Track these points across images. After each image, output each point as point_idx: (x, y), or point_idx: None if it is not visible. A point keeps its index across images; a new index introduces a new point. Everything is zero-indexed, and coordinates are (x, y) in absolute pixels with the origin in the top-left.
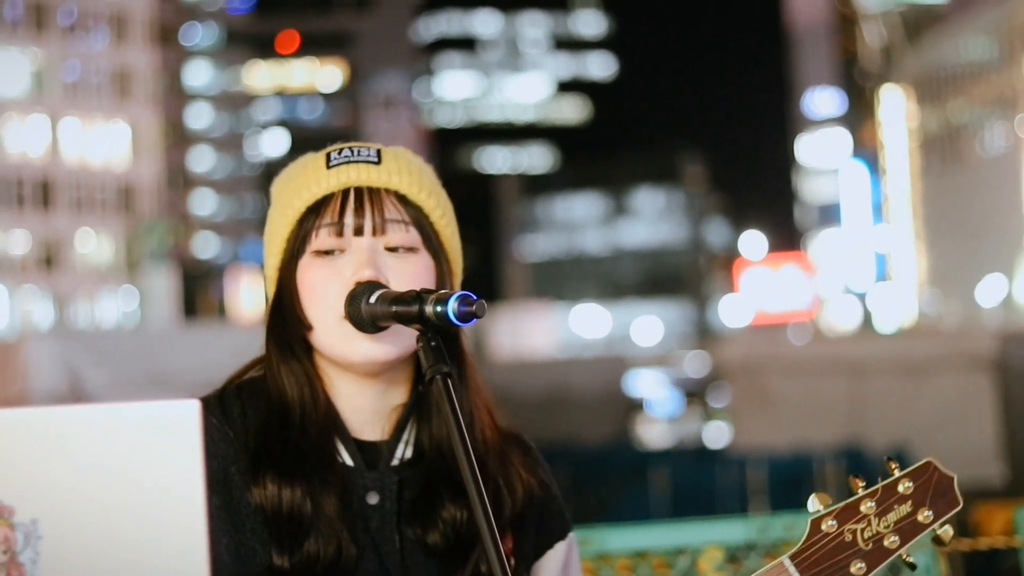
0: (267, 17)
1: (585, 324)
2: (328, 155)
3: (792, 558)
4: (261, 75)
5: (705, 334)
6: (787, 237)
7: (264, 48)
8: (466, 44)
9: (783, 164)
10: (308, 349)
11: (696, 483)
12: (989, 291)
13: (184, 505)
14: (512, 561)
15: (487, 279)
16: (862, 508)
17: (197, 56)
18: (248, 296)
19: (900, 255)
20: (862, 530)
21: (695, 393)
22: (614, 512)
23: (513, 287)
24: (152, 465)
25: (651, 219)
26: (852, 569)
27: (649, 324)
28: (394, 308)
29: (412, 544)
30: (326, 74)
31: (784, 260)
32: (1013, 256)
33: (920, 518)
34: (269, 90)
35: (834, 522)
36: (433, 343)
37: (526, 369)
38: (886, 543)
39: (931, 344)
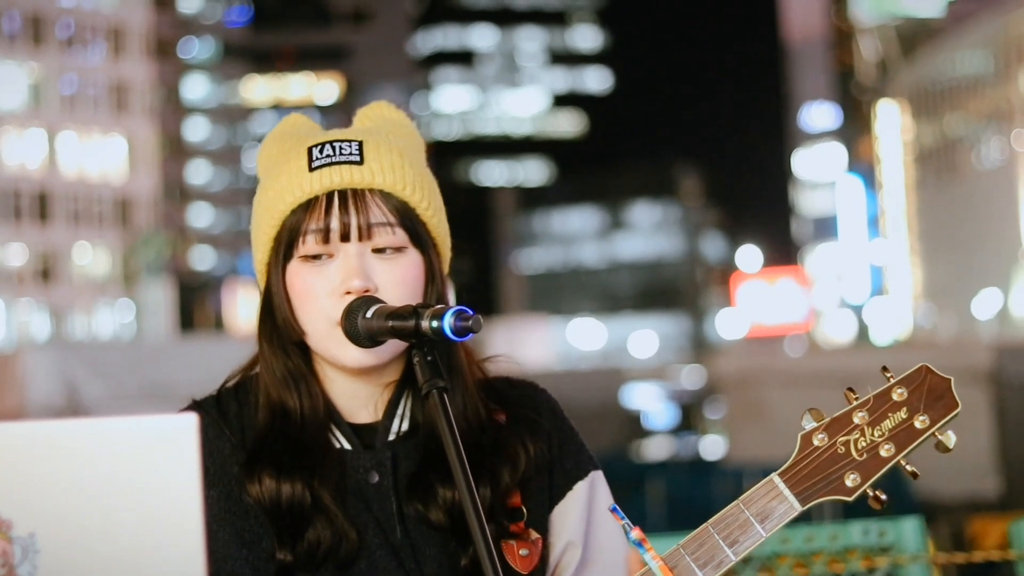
0: (264, 31)
1: (582, 337)
2: (310, 152)
3: (782, 475)
4: (258, 88)
5: (701, 347)
6: (783, 250)
7: (261, 62)
8: (463, 58)
9: (779, 178)
10: (300, 343)
11: (692, 495)
12: (984, 304)
13: (182, 518)
14: (524, 512)
15: (484, 292)
16: (854, 419)
17: (194, 69)
18: (245, 309)
19: (896, 268)
20: (855, 441)
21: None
22: None
23: (510, 300)
24: (150, 478)
25: (647, 232)
26: (847, 481)
27: (645, 337)
28: (391, 323)
29: (415, 520)
30: (323, 88)
31: (780, 273)
32: (1008, 269)
33: (916, 424)
34: (266, 103)
35: (824, 435)
36: (429, 357)
37: None
38: (881, 452)
39: (927, 357)
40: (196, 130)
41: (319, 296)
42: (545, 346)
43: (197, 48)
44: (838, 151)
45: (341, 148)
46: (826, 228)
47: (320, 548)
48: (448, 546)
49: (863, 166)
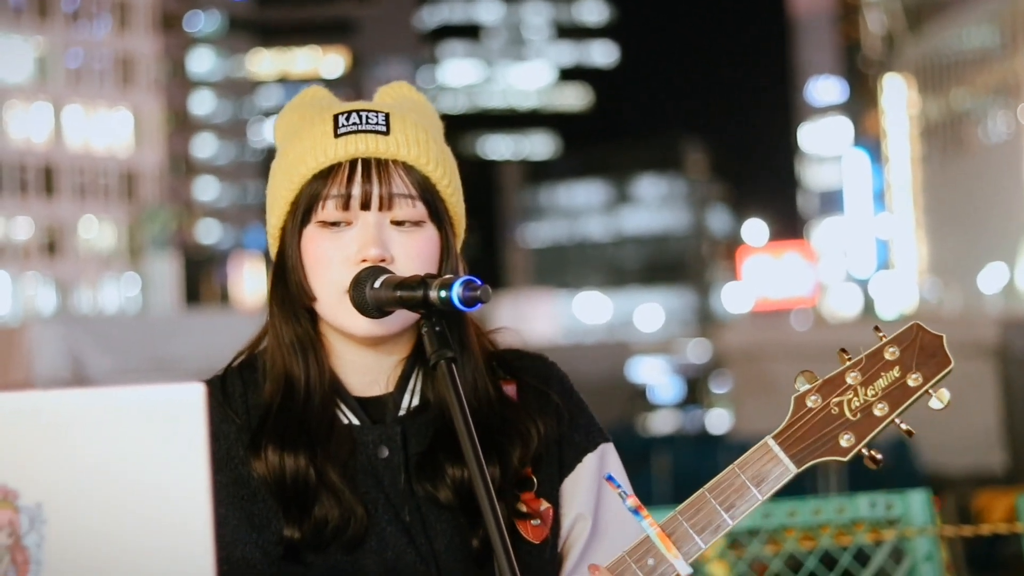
0: (270, 4)
1: (587, 311)
2: (336, 119)
3: (776, 437)
4: (264, 62)
5: (707, 321)
6: (789, 224)
7: (267, 35)
8: (469, 31)
9: (785, 152)
10: (310, 311)
11: (698, 469)
12: (990, 278)
13: (188, 488)
14: (534, 481)
15: (490, 266)
16: (847, 379)
17: (200, 43)
18: (251, 282)
19: (902, 242)
20: (848, 401)
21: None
22: None
23: (516, 274)
24: (156, 448)
25: (653, 206)
26: (841, 442)
27: (651, 311)
28: (399, 293)
29: (424, 498)
30: (329, 61)
31: (786, 247)
32: (1014, 243)
33: (909, 382)
34: (272, 77)
35: (817, 396)
36: (437, 328)
37: None
38: (875, 411)
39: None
40: (202, 104)
41: (333, 263)
42: (551, 320)
43: (203, 21)
44: (844, 125)
45: (368, 117)
46: (832, 202)
47: (328, 526)
48: (459, 524)
49: (869, 140)
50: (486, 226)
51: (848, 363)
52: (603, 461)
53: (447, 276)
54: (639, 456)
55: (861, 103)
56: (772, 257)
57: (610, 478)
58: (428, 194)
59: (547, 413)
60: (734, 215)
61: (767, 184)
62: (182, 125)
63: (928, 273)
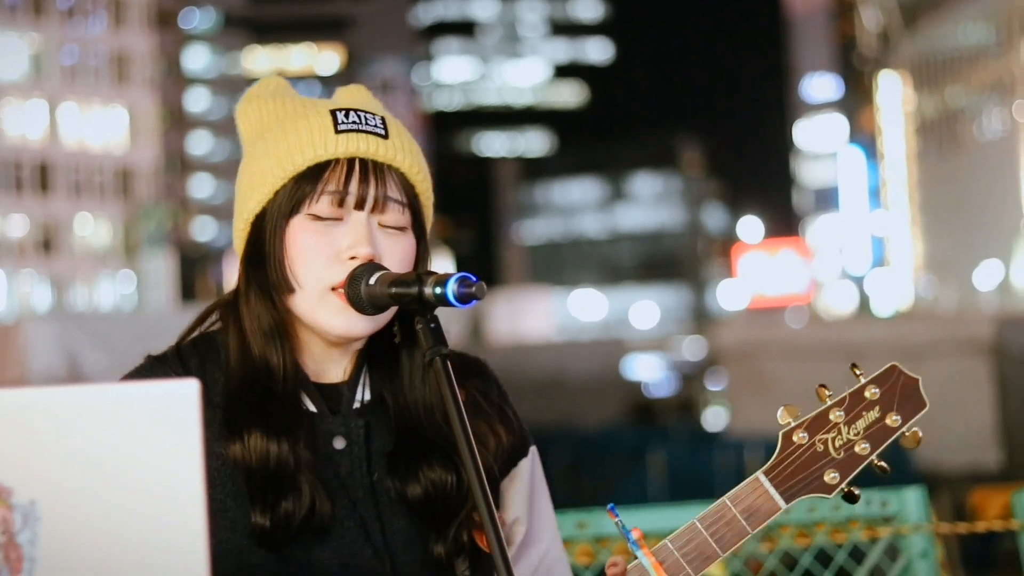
0: (265, 1)
1: (583, 308)
2: (334, 115)
3: (766, 473)
4: (259, 59)
5: (702, 318)
6: (784, 222)
7: (262, 32)
8: (464, 28)
9: (781, 149)
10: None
11: (694, 467)
12: (986, 275)
13: (183, 484)
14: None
15: (485, 263)
16: (831, 417)
17: (195, 40)
18: None
19: (897, 239)
20: (833, 439)
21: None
22: (612, 495)
23: (511, 271)
24: (151, 445)
25: (649, 204)
26: (826, 478)
27: (647, 308)
28: (393, 290)
29: (386, 495)
30: (324, 58)
31: (781, 245)
32: (1010, 241)
33: (889, 422)
34: (267, 74)
35: (805, 433)
36: (432, 324)
37: (524, 352)
38: (857, 450)
39: (928, 328)
40: (197, 101)
41: (321, 258)
42: (546, 317)
43: (198, 19)
44: (839, 122)
45: (367, 119)
46: (827, 199)
47: (296, 515)
48: (415, 522)
49: (864, 137)
50: (481, 223)
51: (832, 401)
52: (533, 464)
53: (442, 273)
54: (634, 454)
55: (856, 100)
56: (767, 254)
57: (612, 509)
58: (414, 204)
59: (503, 421)
60: (729, 212)
61: (762, 181)
62: (177, 122)
63: (923, 270)
